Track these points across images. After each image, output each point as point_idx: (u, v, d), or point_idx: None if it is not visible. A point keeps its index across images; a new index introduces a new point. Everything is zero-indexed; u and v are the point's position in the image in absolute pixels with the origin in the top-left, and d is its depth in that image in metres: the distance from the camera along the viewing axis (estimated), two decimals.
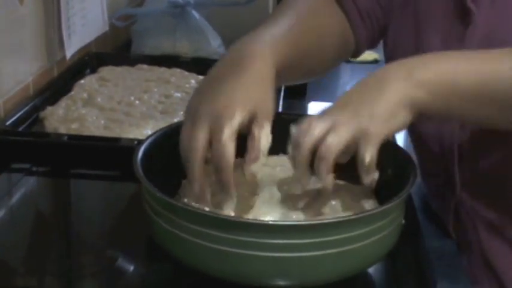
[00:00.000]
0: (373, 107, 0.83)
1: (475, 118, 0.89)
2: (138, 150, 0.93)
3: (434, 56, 0.89)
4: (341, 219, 0.84)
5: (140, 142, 0.96)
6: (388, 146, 0.93)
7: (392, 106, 0.83)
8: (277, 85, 0.93)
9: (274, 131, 0.89)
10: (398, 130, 0.85)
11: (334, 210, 0.90)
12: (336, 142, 0.81)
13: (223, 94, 0.87)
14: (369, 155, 0.81)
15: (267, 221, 0.86)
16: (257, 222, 0.83)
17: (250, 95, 0.87)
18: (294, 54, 0.98)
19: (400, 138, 1.34)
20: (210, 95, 0.88)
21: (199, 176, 0.84)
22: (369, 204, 0.92)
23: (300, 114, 0.98)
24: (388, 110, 0.83)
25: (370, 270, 0.93)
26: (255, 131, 0.86)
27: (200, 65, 1.63)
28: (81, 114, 1.33)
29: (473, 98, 0.85)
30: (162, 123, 1.22)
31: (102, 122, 1.31)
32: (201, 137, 0.84)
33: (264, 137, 0.87)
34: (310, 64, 1.05)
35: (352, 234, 0.81)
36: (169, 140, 0.99)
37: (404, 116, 0.84)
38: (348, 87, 0.96)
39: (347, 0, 1.10)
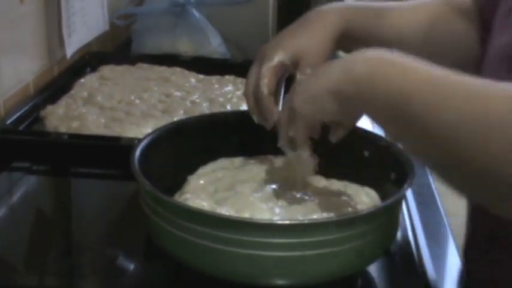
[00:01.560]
0: (309, 87, 0.85)
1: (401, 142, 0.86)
2: (136, 149, 0.93)
3: (390, 61, 0.79)
4: (340, 218, 0.85)
5: (138, 140, 0.96)
6: (390, 150, 0.94)
7: (322, 91, 0.83)
8: (345, 49, 1.04)
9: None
10: (325, 115, 0.85)
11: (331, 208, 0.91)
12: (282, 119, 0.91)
13: (276, 38, 1.02)
14: (292, 132, 0.88)
15: (266, 220, 0.86)
16: (257, 221, 0.83)
17: (298, 42, 1.00)
18: (366, 27, 1.05)
19: None
20: (271, 40, 1.03)
21: (252, 108, 0.99)
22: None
23: None
24: (317, 94, 0.84)
25: (370, 268, 0.93)
26: (297, 74, 0.98)
27: (200, 64, 1.63)
28: (82, 113, 1.33)
29: (392, 119, 0.77)
30: (163, 122, 1.22)
31: (103, 121, 1.31)
32: (252, 73, 1.00)
33: None
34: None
35: (351, 232, 0.81)
36: (168, 139, 1.00)
37: (331, 103, 0.82)
38: None
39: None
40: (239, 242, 0.79)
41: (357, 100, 0.79)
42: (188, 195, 0.92)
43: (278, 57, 0.98)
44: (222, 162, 1.03)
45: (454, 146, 0.69)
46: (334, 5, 1.04)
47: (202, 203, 0.89)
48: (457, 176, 0.72)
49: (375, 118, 0.80)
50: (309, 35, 1.01)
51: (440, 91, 0.71)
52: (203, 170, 1.01)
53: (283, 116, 0.90)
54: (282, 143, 0.92)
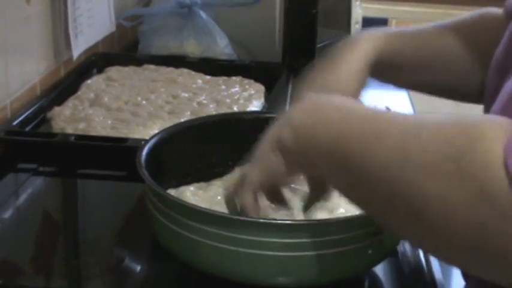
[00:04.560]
0: (256, 149, 0.81)
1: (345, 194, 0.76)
2: (142, 149, 0.93)
3: (334, 107, 0.76)
4: (346, 218, 0.85)
5: (145, 141, 0.96)
6: None
7: (265, 146, 0.79)
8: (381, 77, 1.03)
9: None
10: (274, 173, 0.79)
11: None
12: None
13: (309, 77, 1.01)
14: (239, 201, 0.81)
15: (273, 219, 0.86)
16: (263, 221, 0.82)
17: (326, 82, 0.99)
18: (403, 52, 1.02)
19: None
20: (305, 78, 1.02)
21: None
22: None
23: None
24: (263, 151, 0.79)
25: (376, 268, 0.93)
26: None
27: (207, 65, 1.63)
28: (88, 114, 1.33)
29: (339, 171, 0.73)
30: (169, 123, 1.22)
31: (109, 122, 1.31)
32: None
33: None
34: (420, 75, 1.06)
35: (358, 232, 0.81)
36: (174, 140, 1.00)
37: (275, 158, 0.78)
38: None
39: None
40: (244, 241, 0.79)
41: (299, 151, 0.75)
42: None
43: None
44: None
45: (391, 187, 0.65)
46: (368, 32, 1.02)
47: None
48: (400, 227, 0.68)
49: (321, 172, 0.76)
50: (338, 73, 1.00)
51: (374, 130, 0.68)
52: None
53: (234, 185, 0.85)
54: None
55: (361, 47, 1.00)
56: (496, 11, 1.07)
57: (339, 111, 0.74)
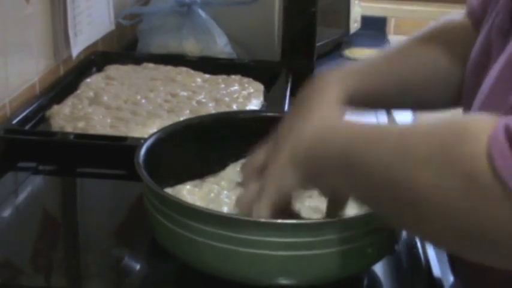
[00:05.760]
0: (272, 166, 0.85)
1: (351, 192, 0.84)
2: (140, 148, 0.93)
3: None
4: (345, 217, 0.85)
5: (143, 140, 0.97)
6: None
7: (280, 166, 0.84)
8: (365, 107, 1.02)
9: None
10: (289, 189, 0.85)
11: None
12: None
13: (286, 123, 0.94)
14: (256, 214, 0.84)
15: (273, 220, 0.86)
16: (263, 220, 0.83)
17: None
18: (371, 83, 1.02)
19: None
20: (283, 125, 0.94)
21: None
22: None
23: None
24: (277, 170, 0.84)
25: (376, 267, 0.93)
26: None
27: (206, 64, 1.63)
28: (88, 113, 1.33)
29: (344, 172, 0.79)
30: (169, 122, 1.22)
31: (109, 120, 1.31)
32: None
33: None
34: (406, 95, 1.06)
35: (357, 231, 0.82)
36: (173, 138, 1.00)
37: (292, 175, 0.83)
38: None
39: None
40: (244, 241, 0.79)
41: (312, 164, 0.82)
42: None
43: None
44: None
45: (392, 187, 0.72)
46: (330, 75, 1.00)
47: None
48: (405, 220, 0.75)
49: (336, 185, 0.82)
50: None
51: (372, 141, 0.76)
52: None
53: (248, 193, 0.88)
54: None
55: (328, 91, 0.97)
56: (456, 17, 1.07)
57: (345, 125, 0.84)
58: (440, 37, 1.06)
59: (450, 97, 1.05)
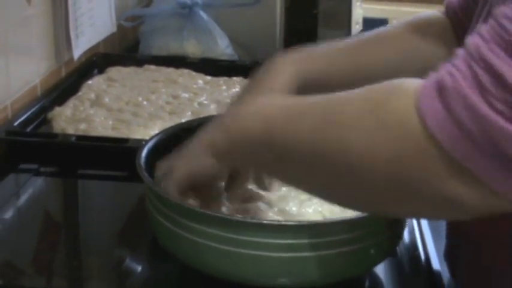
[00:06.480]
0: (187, 146, 0.85)
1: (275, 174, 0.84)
2: (142, 150, 0.93)
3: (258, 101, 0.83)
4: (347, 219, 0.85)
5: (144, 142, 0.97)
6: None
7: (196, 147, 0.84)
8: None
9: None
10: (203, 173, 0.84)
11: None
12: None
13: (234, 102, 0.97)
14: (167, 190, 0.84)
15: (271, 221, 0.86)
16: (265, 222, 0.83)
17: None
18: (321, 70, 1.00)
19: None
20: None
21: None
22: None
23: None
24: (192, 150, 0.84)
25: (377, 269, 0.93)
26: None
27: (208, 66, 1.64)
28: (89, 114, 1.33)
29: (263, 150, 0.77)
30: (170, 123, 1.22)
31: (110, 122, 1.31)
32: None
33: None
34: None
35: (358, 233, 0.82)
36: (175, 140, 1.00)
37: (205, 158, 0.83)
38: None
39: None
40: (245, 242, 0.79)
41: (231, 149, 0.80)
42: None
43: None
44: None
45: (321, 163, 0.71)
46: (286, 56, 0.99)
47: None
48: (338, 191, 0.74)
49: (256, 167, 0.83)
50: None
51: (295, 114, 0.74)
52: None
53: (158, 173, 0.89)
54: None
55: (283, 70, 0.97)
56: (433, 14, 1.07)
57: (266, 103, 0.80)
58: (415, 30, 1.05)
59: None
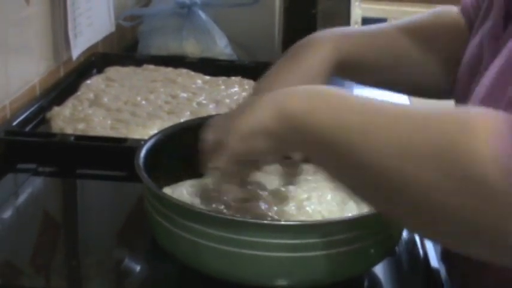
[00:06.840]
0: (240, 126, 0.79)
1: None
2: (140, 149, 0.93)
3: (332, 95, 0.75)
4: (345, 219, 0.85)
5: (142, 142, 0.97)
6: None
7: (253, 131, 0.78)
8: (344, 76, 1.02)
9: None
10: (259, 155, 0.80)
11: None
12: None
13: (268, 77, 1.00)
14: (214, 164, 0.82)
15: (270, 221, 0.86)
16: (266, 222, 0.83)
17: (289, 82, 0.95)
18: (361, 53, 1.01)
19: None
20: (264, 78, 1.01)
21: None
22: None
23: None
24: (249, 134, 0.78)
25: (376, 268, 0.93)
26: None
27: (207, 65, 1.63)
28: (88, 114, 1.33)
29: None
30: (169, 123, 1.22)
31: (109, 122, 1.31)
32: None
33: None
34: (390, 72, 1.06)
35: (357, 233, 0.81)
36: (173, 140, 1.00)
37: (263, 143, 0.77)
38: None
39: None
40: (245, 243, 0.79)
41: (293, 139, 0.75)
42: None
43: None
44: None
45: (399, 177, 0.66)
46: (326, 32, 1.00)
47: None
48: (400, 210, 0.70)
49: (311, 156, 0.76)
50: (302, 73, 0.97)
51: (372, 122, 0.69)
52: None
53: (207, 146, 0.85)
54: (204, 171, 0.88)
55: (322, 46, 0.97)
56: (451, 10, 1.08)
57: (335, 99, 0.74)
58: (430, 29, 1.07)
59: (434, 89, 1.07)
